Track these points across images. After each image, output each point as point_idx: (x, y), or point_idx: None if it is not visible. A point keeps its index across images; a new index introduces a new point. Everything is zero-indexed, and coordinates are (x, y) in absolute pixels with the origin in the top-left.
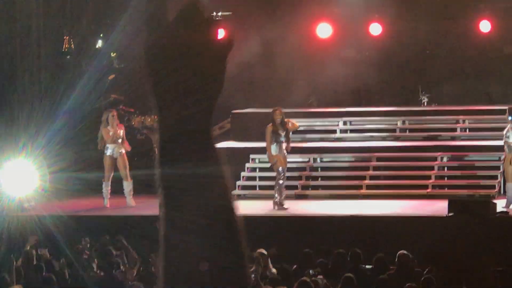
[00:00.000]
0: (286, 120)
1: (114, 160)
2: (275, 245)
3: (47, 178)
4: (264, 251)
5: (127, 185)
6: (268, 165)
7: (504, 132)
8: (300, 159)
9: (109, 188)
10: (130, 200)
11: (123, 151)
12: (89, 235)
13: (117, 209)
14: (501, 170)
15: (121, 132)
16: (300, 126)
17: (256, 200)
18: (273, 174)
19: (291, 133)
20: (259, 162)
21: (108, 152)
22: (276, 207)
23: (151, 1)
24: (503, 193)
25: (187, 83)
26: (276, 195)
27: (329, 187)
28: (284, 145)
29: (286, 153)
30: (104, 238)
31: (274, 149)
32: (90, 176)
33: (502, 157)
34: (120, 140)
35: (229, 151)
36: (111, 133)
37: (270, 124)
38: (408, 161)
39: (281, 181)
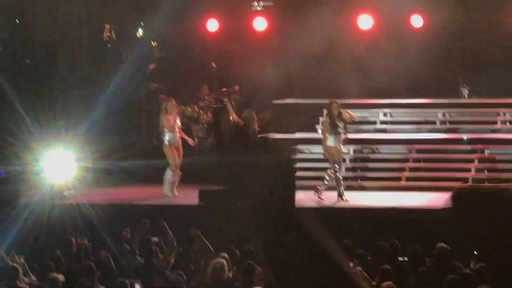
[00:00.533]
0: (343, 111)
1: (174, 148)
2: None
3: (88, 166)
4: None
5: (177, 176)
6: (308, 156)
7: None
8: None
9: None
10: (174, 190)
11: (180, 140)
12: (129, 224)
13: (158, 198)
14: None
15: (179, 121)
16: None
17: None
18: (313, 165)
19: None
20: (299, 152)
21: (169, 141)
22: (339, 199)
23: None
24: None
25: None
26: (340, 187)
27: (369, 178)
28: (342, 136)
29: (342, 145)
30: (144, 221)
31: (332, 140)
32: (130, 164)
33: None
34: (177, 129)
35: (271, 142)
36: (172, 122)
37: (326, 117)
38: (448, 153)
39: (338, 173)
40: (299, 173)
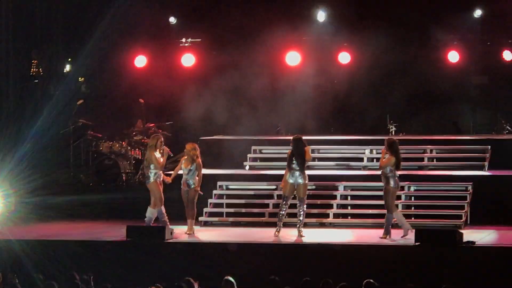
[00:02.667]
0: (306, 148)
1: (159, 184)
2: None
3: (15, 202)
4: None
5: (153, 212)
6: (234, 192)
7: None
8: (267, 187)
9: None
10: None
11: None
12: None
13: (85, 233)
14: (468, 200)
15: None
16: (269, 153)
17: (223, 227)
18: (238, 201)
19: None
20: (226, 189)
21: (155, 178)
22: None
23: None
24: (469, 223)
25: None
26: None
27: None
28: (297, 173)
29: (299, 181)
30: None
31: (288, 175)
32: (58, 200)
33: (469, 188)
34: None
35: None
36: (161, 159)
37: (289, 151)
38: (375, 190)
39: (282, 208)
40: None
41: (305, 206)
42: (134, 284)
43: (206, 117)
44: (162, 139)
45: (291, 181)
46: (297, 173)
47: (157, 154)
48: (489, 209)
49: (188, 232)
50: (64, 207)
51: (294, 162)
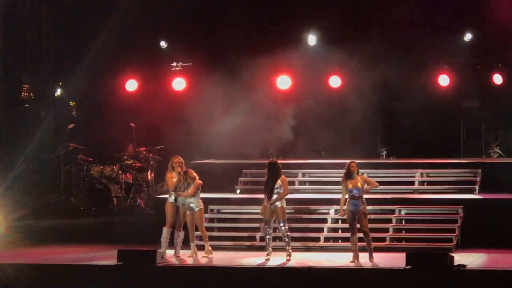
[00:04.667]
0: (283, 179)
1: (175, 207)
2: None
3: (5, 226)
4: None
5: (178, 235)
6: (225, 216)
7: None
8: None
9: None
10: (178, 251)
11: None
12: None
13: (76, 258)
14: (459, 223)
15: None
16: (261, 176)
17: (215, 251)
18: (230, 225)
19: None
20: (218, 212)
21: (171, 199)
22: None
23: None
24: (460, 246)
25: None
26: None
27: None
28: (274, 197)
29: (276, 204)
30: None
31: (266, 200)
32: (49, 224)
33: (460, 212)
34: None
35: None
36: (174, 180)
37: (266, 176)
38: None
39: (267, 233)
40: (213, 233)
41: (287, 227)
42: None
43: (197, 141)
44: (179, 160)
45: (267, 204)
46: (274, 197)
47: (174, 175)
48: (479, 233)
49: (205, 255)
50: (55, 231)
51: (269, 186)
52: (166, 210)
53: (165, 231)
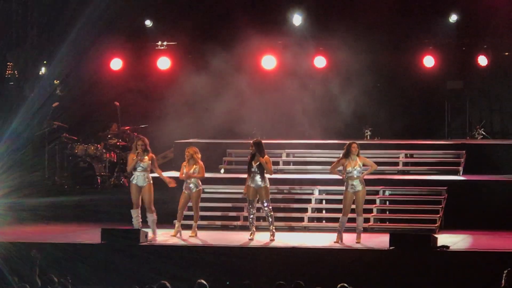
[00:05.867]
0: (266, 158)
1: (139, 188)
2: (211, 276)
3: None
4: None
5: (149, 217)
6: (209, 195)
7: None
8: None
9: (139, 217)
10: (153, 231)
11: (149, 180)
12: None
13: (60, 236)
14: (443, 205)
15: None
16: (245, 156)
17: (199, 231)
18: (214, 204)
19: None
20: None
21: (131, 179)
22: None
23: None
24: (444, 228)
25: None
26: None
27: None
28: (257, 177)
29: (260, 184)
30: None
31: (249, 180)
32: (33, 202)
33: (444, 193)
34: (145, 169)
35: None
36: (134, 161)
37: (249, 155)
38: None
39: (250, 212)
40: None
41: (270, 207)
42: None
43: (181, 120)
44: (140, 141)
45: (252, 185)
46: (257, 176)
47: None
48: (463, 214)
49: (192, 235)
50: (39, 209)
51: (253, 166)
52: (130, 191)
53: (132, 212)
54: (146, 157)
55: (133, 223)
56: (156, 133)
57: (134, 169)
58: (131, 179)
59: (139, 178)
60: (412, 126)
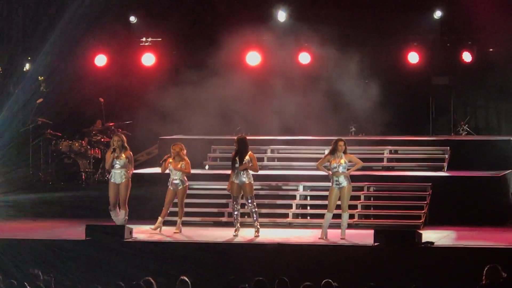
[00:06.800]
0: (251, 155)
1: (117, 186)
2: (195, 272)
3: None
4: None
5: (121, 214)
6: (194, 192)
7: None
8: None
9: (118, 213)
10: None
11: (127, 178)
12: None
13: (44, 232)
14: (427, 201)
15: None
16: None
17: (182, 227)
18: (198, 200)
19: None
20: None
21: (111, 178)
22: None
23: None
24: (428, 224)
25: None
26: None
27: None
28: (241, 173)
29: (244, 181)
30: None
31: (233, 176)
32: (17, 198)
33: (428, 189)
34: (121, 166)
35: (155, 177)
36: (111, 158)
37: (233, 151)
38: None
39: (234, 208)
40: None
41: (255, 203)
42: (93, 283)
43: (166, 117)
44: (116, 138)
45: (236, 181)
46: (241, 172)
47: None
48: (448, 210)
49: (176, 231)
50: (24, 206)
51: (237, 162)
52: (108, 189)
53: (111, 213)
54: (123, 154)
55: (115, 221)
56: (141, 129)
57: (112, 166)
58: (109, 177)
59: (116, 175)
60: (397, 122)
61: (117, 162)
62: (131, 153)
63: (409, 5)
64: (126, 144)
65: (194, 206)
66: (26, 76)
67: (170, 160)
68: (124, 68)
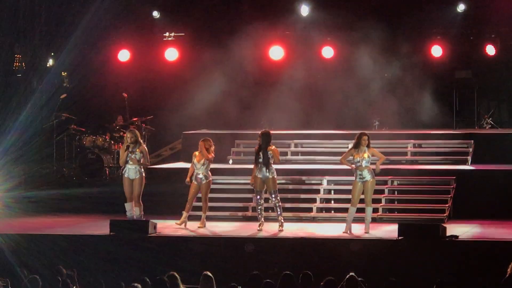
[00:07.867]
0: (274, 149)
1: (131, 181)
2: (219, 267)
3: None
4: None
5: (136, 211)
6: (218, 186)
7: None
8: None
9: (133, 209)
10: None
11: (141, 173)
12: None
13: (68, 227)
14: (451, 194)
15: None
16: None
17: (207, 222)
18: (222, 195)
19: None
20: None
21: (125, 173)
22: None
23: None
24: (453, 217)
25: None
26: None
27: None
28: (263, 168)
29: (267, 175)
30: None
31: (257, 171)
32: (41, 194)
33: (453, 182)
34: (135, 161)
35: (179, 172)
36: (125, 154)
37: (256, 146)
38: None
39: (258, 203)
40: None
41: (278, 198)
42: (118, 278)
43: (189, 111)
44: (130, 134)
45: (259, 175)
46: (264, 167)
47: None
48: (472, 203)
49: (200, 226)
50: (47, 201)
51: (261, 157)
52: (123, 184)
53: (126, 205)
54: (137, 150)
55: (127, 216)
56: (164, 124)
57: (127, 162)
58: (123, 172)
59: (130, 171)
60: (421, 116)
61: (132, 157)
62: (145, 147)
63: None
64: (140, 140)
65: (218, 200)
66: (49, 71)
67: (196, 153)
68: (147, 63)
